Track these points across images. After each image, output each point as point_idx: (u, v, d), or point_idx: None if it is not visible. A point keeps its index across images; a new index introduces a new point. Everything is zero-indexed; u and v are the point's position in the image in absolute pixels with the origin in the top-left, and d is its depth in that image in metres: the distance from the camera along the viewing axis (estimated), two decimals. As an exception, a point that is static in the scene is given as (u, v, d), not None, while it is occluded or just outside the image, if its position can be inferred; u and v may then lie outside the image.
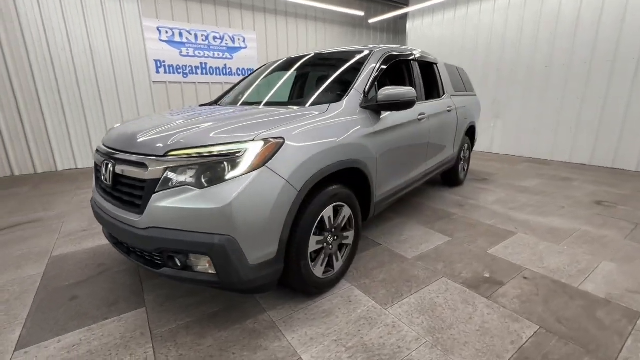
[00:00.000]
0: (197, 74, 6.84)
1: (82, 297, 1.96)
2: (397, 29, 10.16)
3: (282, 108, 2.09)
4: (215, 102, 2.98)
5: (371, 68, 2.37)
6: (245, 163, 1.46)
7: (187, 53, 6.65)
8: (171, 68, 6.55)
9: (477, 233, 2.82)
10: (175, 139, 1.55)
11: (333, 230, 1.94)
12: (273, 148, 1.52)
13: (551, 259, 2.35)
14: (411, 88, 2.26)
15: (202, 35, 6.78)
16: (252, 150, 1.48)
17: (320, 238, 1.84)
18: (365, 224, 2.99)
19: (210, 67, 6.97)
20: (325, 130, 1.81)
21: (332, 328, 1.68)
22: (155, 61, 6.36)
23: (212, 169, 1.45)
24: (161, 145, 1.54)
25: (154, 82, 6.43)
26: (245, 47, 7.35)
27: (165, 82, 6.56)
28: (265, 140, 1.53)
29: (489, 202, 3.67)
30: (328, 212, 1.85)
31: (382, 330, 1.66)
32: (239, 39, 7.26)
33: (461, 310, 1.80)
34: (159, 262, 1.57)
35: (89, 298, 1.95)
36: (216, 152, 1.46)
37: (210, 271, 1.49)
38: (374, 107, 2.20)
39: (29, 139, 5.39)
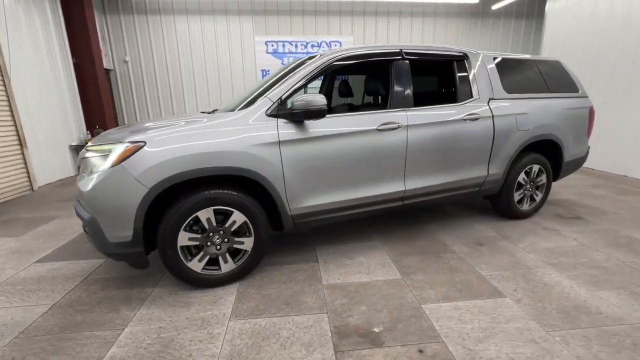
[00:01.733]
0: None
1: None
2: (530, 12, 7.95)
3: (206, 114, 2.33)
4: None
5: (302, 74, 2.23)
6: (109, 161, 1.82)
7: (288, 62, 7.55)
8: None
9: (447, 281, 2.15)
10: (97, 138, 2.08)
11: (221, 232, 2.04)
12: (131, 150, 1.81)
13: (497, 346, 1.57)
14: (320, 96, 2.01)
15: (302, 45, 7.53)
16: (116, 151, 1.82)
17: (196, 236, 1.99)
18: (322, 237, 2.86)
19: (306, 73, 7.64)
20: (198, 136, 1.92)
21: (172, 317, 1.83)
22: (262, 71, 7.57)
23: (93, 163, 1.88)
24: (92, 141, 2.11)
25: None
26: (340, 52, 7.62)
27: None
28: (129, 143, 1.83)
29: (529, 248, 2.61)
30: (206, 213, 1.97)
31: (194, 335, 1.68)
32: (335, 45, 7.61)
33: (291, 351, 1.56)
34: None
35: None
36: (99, 150, 1.89)
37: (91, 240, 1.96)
38: (286, 115, 2.10)
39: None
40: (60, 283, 2.22)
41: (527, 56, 3.21)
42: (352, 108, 3.46)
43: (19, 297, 2.07)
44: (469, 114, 2.65)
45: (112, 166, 1.80)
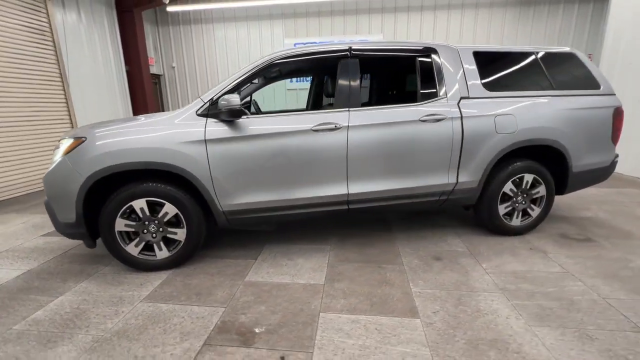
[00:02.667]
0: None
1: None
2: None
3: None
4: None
5: (237, 76, 2.29)
6: (59, 153, 2.14)
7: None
8: (301, 78, 7.78)
9: (367, 292, 2.00)
10: (66, 133, 2.45)
11: (155, 222, 2.24)
12: (74, 145, 2.10)
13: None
14: (235, 96, 2.05)
15: (329, 45, 7.54)
16: (63, 145, 2.13)
17: (131, 223, 2.21)
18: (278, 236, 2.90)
19: (333, 74, 7.65)
20: (131, 134, 2.13)
21: (101, 292, 2.07)
22: (290, 72, 7.79)
23: (54, 154, 2.23)
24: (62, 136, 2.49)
25: (288, 89, 7.93)
26: (368, 51, 7.45)
27: (296, 89, 7.90)
28: (73, 138, 2.13)
29: (492, 269, 2.27)
30: (140, 204, 2.18)
31: (103, 310, 1.88)
32: (363, 44, 7.45)
33: (166, 337, 1.65)
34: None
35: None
36: (60, 143, 2.23)
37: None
38: (215, 115, 2.19)
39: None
40: (44, 254, 2.67)
41: (525, 48, 2.77)
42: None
43: (11, 261, 2.56)
44: (428, 115, 2.41)
45: (61, 158, 2.11)
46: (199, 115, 2.22)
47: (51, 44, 5.03)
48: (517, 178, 2.67)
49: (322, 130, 2.29)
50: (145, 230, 2.25)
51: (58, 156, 2.14)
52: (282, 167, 2.29)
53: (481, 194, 2.69)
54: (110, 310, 1.89)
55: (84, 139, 2.12)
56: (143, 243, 2.27)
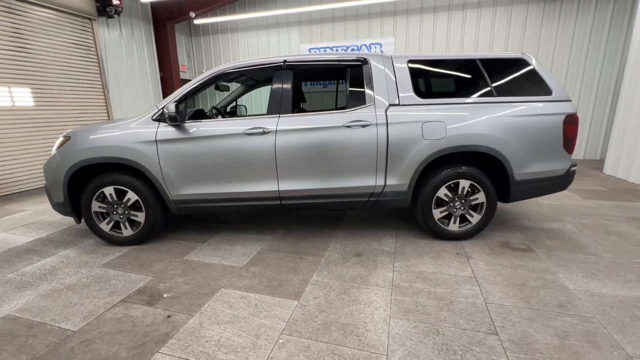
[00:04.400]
0: (334, 83, 7.97)
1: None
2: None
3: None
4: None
5: (187, 86, 2.71)
6: (54, 148, 2.77)
7: (328, 66, 7.92)
8: (305, 82, 8.12)
9: (272, 277, 2.29)
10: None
11: (122, 206, 2.78)
12: (63, 142, 2.72)
13: (226, 332, 1.74)
14: (172, 104, 2.46)
15: (342, 49, 7.77)
16: (57, 142, 2.76)
17: (103, 205, 2.78)
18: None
19: (346, 77, 7.86)
20: (101, 134, 2.67)
21: (75, 258, 2.66)
22: (305, 76, 8.16)
23: (53, 147, 2.88)
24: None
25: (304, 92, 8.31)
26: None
27: (310, 92, 8.25)
28: (63, 137, 2.74)
29: (401, 268, 2.39)
30: (109, 190, 2.74)
31: (65, 272, 2.44)
32: (375, 47, 7.54)
33: (98, 292, 2.13)
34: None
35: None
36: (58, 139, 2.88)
37: (54, 199, 2.99)
38: (163, 120, 2.65)
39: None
40: (55, 227, 3.40)
41: (466, 55, 2.79)
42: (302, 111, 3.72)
43: (31, 230, 3.32)
44: (354, 121, 2.61)
45: (54, 152, 2.75)
46: (153, 119, 2.71)
47: (95, 57, 6.05)
48: (452, 183, 2.72)
49: (253, 134, 2.62)
50: (114, 212, 2.81)
51: (54, 150, 2.78)
52: (219, 165, 2.67)
53: (414, 197, 2.79)
54: (74, 271, 2.45)
55: (69, 137, 2.73)
56: (112, 222, 2.83)
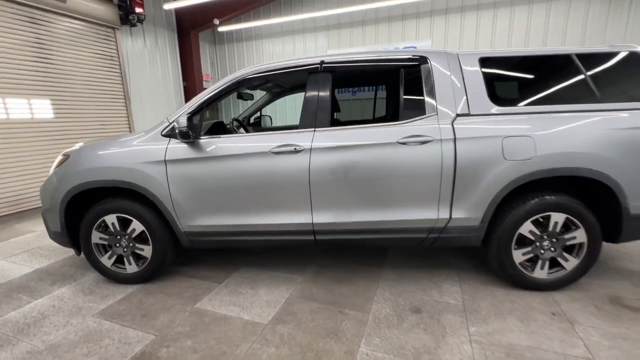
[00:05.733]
0: (363, 90, 7.42)
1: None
2: None
3: None
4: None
5: (204, 94, 2.23)
6: (52, 168, 2.37)
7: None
8: (343, 88, 7.60)
9: (307, 342, 1.72)
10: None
11: (126, 237, 2.33)
12: (61, 161, 2.31)
13: None
14: (183, 118, 1.98)
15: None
16: (55, 161, 2.36)
17: (105, 236, 2.33)
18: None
19: (376, 83, 7.28)
20: (103, 153, 2.25)
21: (70, 299, 2.22)
22: (333, 83, 7.67)
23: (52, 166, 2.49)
24: None
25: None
26: (414, 58, 6.92)
27: (338, 100, 7.73)
28: (62, 155, 2.34)
29: (481, 336, 1.74)
30: (111, 219, 2.29)
31: (55, 320, 1.99)
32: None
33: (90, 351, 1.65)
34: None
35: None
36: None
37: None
38: (174, 136, 2.18)
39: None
40: (58, 255, 3.02)
41: (558, 49, 2.14)
42: (337, 123, 3.18)
43: (32, 258, 2.95)
44: (410, 136, 2.02)
45: (52, 172, 2.35)
46: (163, 135, 2.25)
47: (117, 67, 5.85)
48: (541, 217, 2.05)
49: (282, 152, 2.09)
50: (117, 244, 2.36)
51: (51, 170, 2.39)
52: (240, 191, 2.16)
53: (487, 234, 2.15)
54: (63, 322, 1.99)
55: (67, 156, 2.32)
56: (115, 256, 2.38)
